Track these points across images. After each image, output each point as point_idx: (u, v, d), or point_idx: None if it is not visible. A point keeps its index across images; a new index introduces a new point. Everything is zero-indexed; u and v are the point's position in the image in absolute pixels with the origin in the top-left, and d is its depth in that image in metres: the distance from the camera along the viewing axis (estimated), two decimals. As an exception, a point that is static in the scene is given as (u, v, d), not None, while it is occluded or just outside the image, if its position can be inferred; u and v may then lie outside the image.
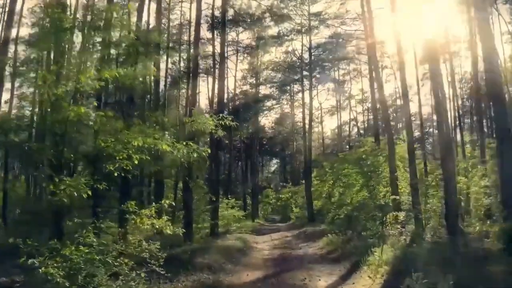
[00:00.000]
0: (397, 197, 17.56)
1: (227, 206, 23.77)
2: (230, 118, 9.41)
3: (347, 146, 41.40)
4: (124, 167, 7.64)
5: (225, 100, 39.81)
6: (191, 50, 19.38)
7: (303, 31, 30.47)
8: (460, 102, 32.57)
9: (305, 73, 33.07)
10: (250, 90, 39.33)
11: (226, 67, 32.53)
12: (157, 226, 7.17)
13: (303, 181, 36.63)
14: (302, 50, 31.52)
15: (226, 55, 29.60)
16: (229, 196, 29.06)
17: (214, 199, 17.22)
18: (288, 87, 40.51)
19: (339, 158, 20.72)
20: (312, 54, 31.24)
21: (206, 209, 18.49)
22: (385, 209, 18.01)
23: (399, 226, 14.59)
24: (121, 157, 7.43)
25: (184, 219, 15.00)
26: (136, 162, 7.49)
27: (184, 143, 8.36)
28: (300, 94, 40.09)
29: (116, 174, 7.83)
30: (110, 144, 7.19)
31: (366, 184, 19.26)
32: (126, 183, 11.42)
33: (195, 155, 8.54)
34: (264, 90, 39.93)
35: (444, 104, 19.86)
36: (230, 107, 39.24)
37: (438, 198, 17.35)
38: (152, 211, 7.30)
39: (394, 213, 14.33)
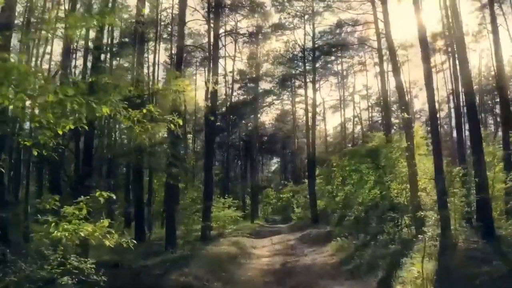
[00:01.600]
0: (423, 194, 14.92)
1: (223, 205, 20.96)
2: (214, 80, 6.50)
3: (349, 145, 38.38)
4: (46, 141, 4.75)
5: (223, 95, 37.20)
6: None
7: (306, 18, 27.55)
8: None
9: (307, 66, 30.16)
10: (250, 84, 36.48)
11: (225, 56, 29.73)
12: (81, 234, 4.17)
13: (305, 180, 33.88)
14: (304, 39, 28.60)
15: (224, 42, 26.76)
16: (226, 195, 26.12)
17: (206, 198, 14.37)
18: (289, 82, 37.71)
19: (348, 151, 17.85)
20: (316, 42, 28.26)
21: (197, 209, 15.62)
22: (403, 209, 15.35)
23: (429, 230, 11.80)
24: (36, 124, 4.55)
25: (166, 221, 12.09)
26: (60, 131, 4.60)
27: (145, 110, 5.43)
28: (301, 90, 37.43)
29: (36, 153, 4.94)
30: (6, 99, 4.24)
31: (380, 181, 16.41)
32: (82, 172, 8.54)
33: (162, 130, 5.60)
34: (264, 84, 37.09)
35: (472, 91, 17.09)
36: (229, 103, 36.46)
37: (459, 197, 14.51)
38: (82, 210, 4.36)
39: (422, 213, 11.58)
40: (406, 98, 34.40)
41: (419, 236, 11.06)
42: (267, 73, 34.62)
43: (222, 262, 10.44)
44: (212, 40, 18.43)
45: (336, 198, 26.02)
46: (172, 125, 5.78)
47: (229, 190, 33.34)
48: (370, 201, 17.17)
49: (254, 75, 34.80)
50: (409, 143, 15.50)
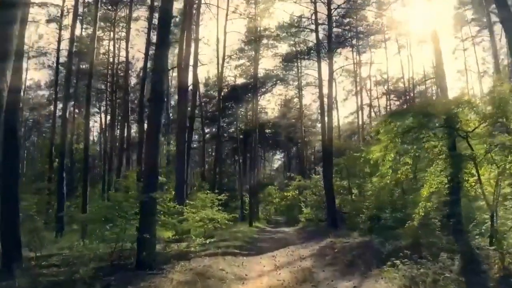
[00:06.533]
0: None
1: (203, 203, 13.38)
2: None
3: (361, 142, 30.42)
4: None
5: (217, 78, 29.60)
6: None
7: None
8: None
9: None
10: (249, 64, 28.95)
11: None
12: None
13: (313, 176, 26.33)
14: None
15: None
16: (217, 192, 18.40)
17: (146, 189, 6.80)
18: (295, 64, 30.21)
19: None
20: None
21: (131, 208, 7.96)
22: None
23: None
24: None
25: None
26: None
27: None
28: (308, 70, 29.89)
29: None
30: None
31: (458, 157, 8.71)
32: None
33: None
34: (265, 62, 29.72)
35: None
36: (226, 88, 29.04)
37: None
38: None
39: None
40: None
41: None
42: (268, 46, 26.99)
43: None
44: None
45: (352, 196, 19.26)
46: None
47: (223, 187, 25.64)
48: (440, 196, 9.53)
49: (253, 53, 27.17)
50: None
